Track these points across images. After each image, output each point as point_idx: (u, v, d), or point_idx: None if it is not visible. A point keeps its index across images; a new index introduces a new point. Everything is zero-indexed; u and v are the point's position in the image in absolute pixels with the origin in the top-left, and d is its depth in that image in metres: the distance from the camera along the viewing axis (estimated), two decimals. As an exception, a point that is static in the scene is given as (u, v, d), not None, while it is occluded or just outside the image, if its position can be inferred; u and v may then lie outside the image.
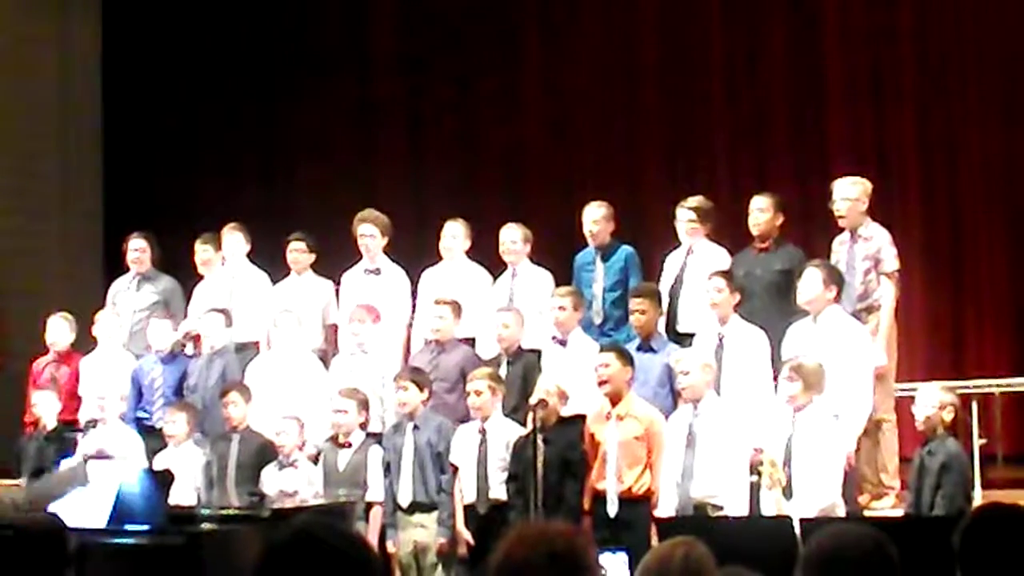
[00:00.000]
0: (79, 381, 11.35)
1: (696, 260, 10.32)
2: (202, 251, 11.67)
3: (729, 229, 11.11)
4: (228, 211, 12.41)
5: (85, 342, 11.63)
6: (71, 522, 5.36)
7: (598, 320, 10.42)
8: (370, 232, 11.09)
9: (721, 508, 8.65)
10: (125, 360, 11.24)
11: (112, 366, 11.19)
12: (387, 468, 9.78)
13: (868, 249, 9.89)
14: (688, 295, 10.22)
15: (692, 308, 10.13)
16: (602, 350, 9.38)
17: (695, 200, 10.50)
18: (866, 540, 3.71)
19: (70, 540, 5.04)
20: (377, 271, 11.09)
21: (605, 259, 10.58)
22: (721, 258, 10.29)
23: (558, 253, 11.15)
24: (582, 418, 9.39)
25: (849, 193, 9.99)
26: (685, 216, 10.42)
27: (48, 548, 4.98)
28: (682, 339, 9.92)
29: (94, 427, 10.29)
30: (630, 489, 8.94)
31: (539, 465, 8.70)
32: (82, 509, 7.77)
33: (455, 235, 11.01)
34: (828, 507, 8.32)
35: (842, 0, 13.44)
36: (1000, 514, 4.35)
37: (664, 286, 10.29)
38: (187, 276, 11.80)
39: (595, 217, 10.62)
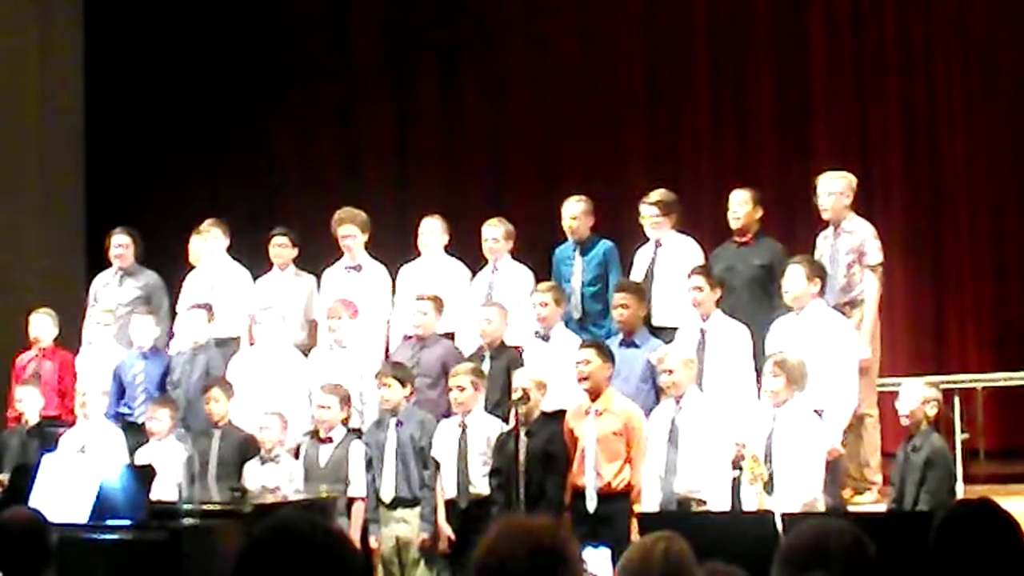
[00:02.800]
0: (63, 377, 11.33)
1: (666, 253, 10.35)
2: (193, 243, 11.71)
3: (710, 223, 11.13)
4: (212, 206, 12.39)
5: (68, 337, 11.62)
6: (53, 517, 5.35)
7: (577, 315, 10.43)
8: (350, 232, 11.10)
9: (704, 503, 8.66)
10: (117, 356, 11.23)
11: (104, 362, 11.16)
12: (369, 463, 9.78)
13: (851, 242, 9.92)
14: (661, 289, 10.23)
15: (666, 302, 10.15)
16: (582, 346, 9.36)
17: (657, 194, 10.52)
18: (842, 534, 3.72)
19: (51, 536, 5.03)
20: (358, 268, 11.09)
21: (584, 253, 10.59)
22: (691, 249, 10.32)
23: (541, 248, 11.14)
24: (564, 413, 9.39)
25: (833, 187, 10.01)
26: (649, 212, 10.44)
27: (29, 544, 4.97)
28: (657, 333, 9.92)
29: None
30: (609, 484, 8.93)
31: (521, 459, 8.70)
32: (64, 504, 7.78)
33: (432, 231, 11.04)
34: (810, 502, 8.33)
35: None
36: (972, 511, 4.36)
37: (636, 282, 10.32)
38: (171, 272, 11.80)
39: (574, 212, 10.63)
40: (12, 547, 4.95)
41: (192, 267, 11.74)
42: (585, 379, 9.08)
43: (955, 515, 4.35)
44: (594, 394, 9.08)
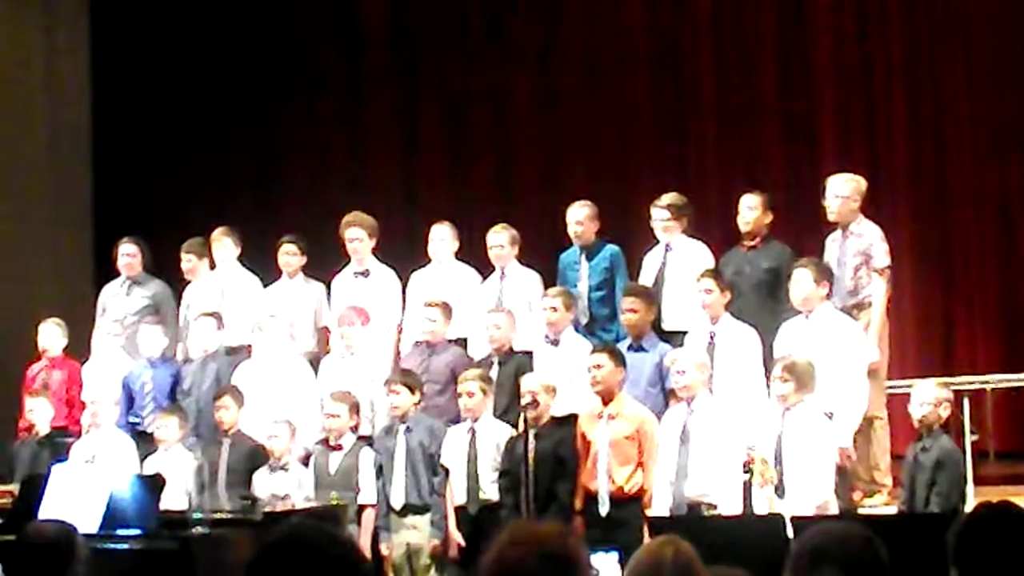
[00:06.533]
0: (72, 387, 11.35)
1: (676, 257, 10.35)
2: (185, 260, 11.70)
3: (718, 227, 11.13)
4: (219, 214, 12.40)
5: (77, 347, 11.63)
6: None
7: (584, 320, 10.41)
8: (358, 235, 11.08)
9: (715, 507, 8.65)
10: (126, 366, 11.23)
11: (113, 372, 11.17)
12: (379, 471, 9.78)
13: (859, 245, 9.90)
14: (671, 293, 10.23)
15: (677, 306, 10.15)
16: (595, 350, 9.37)
17: (668, 197, 10.52)
18: (854, 537, 3.71)
19: (81, 548, 5.03)
20: (366, 273, 11.08)
21: (590, 258, 10.58)
22: (702, 253, 10.31)
23: (549, 253, 11.12)
24: (574, 417, 9.39)
25: (841, 190, 10.00)
26: (660, 215, 10.43)
27: (58, 556, 4.98)
28: (668, 338, 9.92)
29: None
30: (621, 488, 8.94)
31: (530, 464, 8.70)
32: (74, 514, 7.78)
33: (442, 238, 11.01)
34: (822, 504, 8.32)
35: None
36: (994, 514, 4.34)
37: (645, 286, 10.31)
38: (179, 280, 11.80)
39: (579, 217, 10.62)
40: (38, 559, 4.96)
41: (188, 281, 11.74)
42: (598, 383, 9.08)
43: (977, 518, 4.34)
44: (606, 398, 9.09)
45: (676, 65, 14.03)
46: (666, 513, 8.67)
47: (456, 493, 9.54)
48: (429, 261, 11.08)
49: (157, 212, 14.62)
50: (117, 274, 11.89)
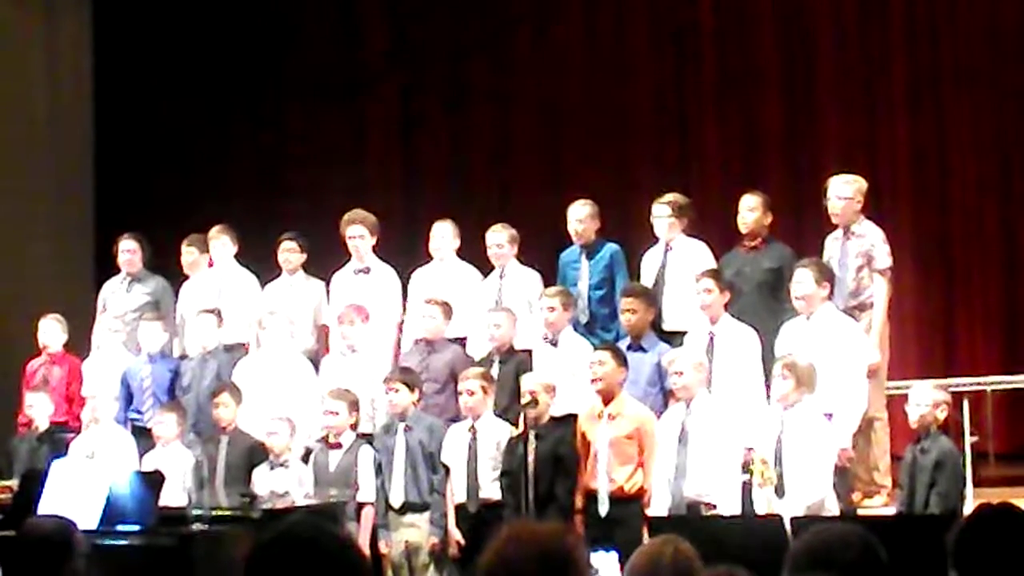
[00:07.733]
0: (72, 383, 11.35)
1: (676, 257, 10.35)
2: (187, 253, 11.71)
3: (719, 228, 11.12)
4: (220, 212, 12.39)
5: (78, 343, 11.63)
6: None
7: (584, 319, 10.41)
8: (359, 233, 11.08)
9: (713, 506, 8.65)
10: (126, 362, 11.23)
11: (113, 368, 11.17)
12: (379, 468, 9.78)
13: (861, 246, 9.91)
14: (672, 293, 10.23)
15: (677, 306, 10.14)
16: (597, 349, 9.39)
17: (670, 195, 10.52)
18: (853, 538, 3.71)
19: (80, 544, 5.03)
20: (367, 271, 11.07)
21: (590, 257, 10.57)
22: (702, 252, 10.31)
23: (550, 252, 11.12)
24: (574, 417, 9.39)
25: (843, 191, 10.00)
26: (662, 211, 10.42)
27: (56, 552, 4.98)
28: (668, 338, 9.91)
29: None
30: (621, 488, 8.94)
31: (531, 463, 8.70)
32: (73, 510, 7.77)
33: (443, 235, 11.00)
34: (816, 503, 8.32)
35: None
36: (994, 515, 4.34)
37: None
38: (178, 277, 11.80)
39: (580, 216, 10.61)
40: (36, 555, 4.96)
41: (186, 277, 11.75)
42: (599, 380, 9.08)
43: (976, 520, 4.33)
44: (607, 397, 9.09)
45: (676, 64, 14.03)
46: (665, 513, 8.67)
47: (456, 491, 9.54)
48: (430, 259, 11.07)
49: (157, 211, 14.59)
50: (117, 271, 11.90)
